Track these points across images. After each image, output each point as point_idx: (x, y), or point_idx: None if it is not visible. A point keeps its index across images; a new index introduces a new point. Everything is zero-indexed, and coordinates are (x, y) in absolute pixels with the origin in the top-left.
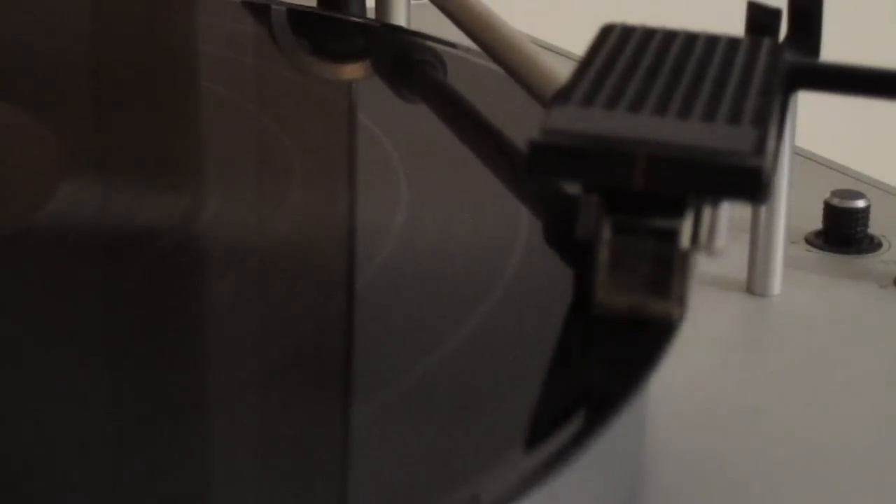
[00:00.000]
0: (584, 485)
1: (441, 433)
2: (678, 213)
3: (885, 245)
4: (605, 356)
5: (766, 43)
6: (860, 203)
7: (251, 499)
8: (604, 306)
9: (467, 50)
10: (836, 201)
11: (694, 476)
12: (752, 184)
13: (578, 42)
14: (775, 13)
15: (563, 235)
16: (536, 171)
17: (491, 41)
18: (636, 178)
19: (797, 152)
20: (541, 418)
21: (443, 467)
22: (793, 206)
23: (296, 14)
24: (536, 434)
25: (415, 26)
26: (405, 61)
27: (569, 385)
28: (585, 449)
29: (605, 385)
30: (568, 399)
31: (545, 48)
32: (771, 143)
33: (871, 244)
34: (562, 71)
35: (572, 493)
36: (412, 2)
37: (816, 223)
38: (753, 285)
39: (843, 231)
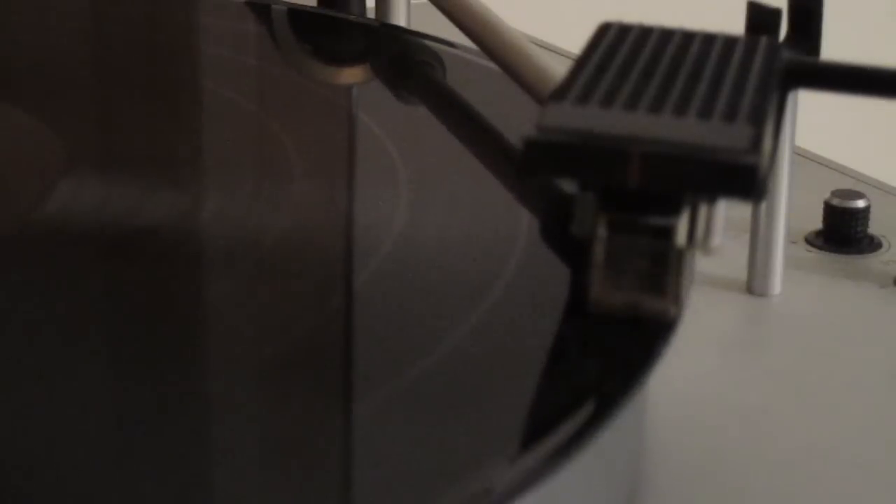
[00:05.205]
0: (583, 484)
1: (439, 432)
2: (674, 210)
3: (885, 245)
4: (603, 355)
5: (764, 41)
6: (860, 203)
7: (251, 496)
8: (600, 304)
9: (467, 50)
10: (836, 201)
11: (694, 476)
12: (747, 182)
13: (576, 41)
14: (775, 13)
15: (562, 233)
16: (532, 168)
17: (488, 40)
18: (631, 175)
19: (797, 152)
20: (539, 417)
21: (441, 466)
22: (793, 206)
23: (296, 13)
24: (535, 433)
25: (415, 26)
26: (405, 61)
27: (567, 384)
28: (584, 448)
29: (603, 384)
30: (566, 398)
31: (543, 47)
32: (767, 142)
33: (871, 244)
34: (559, 69)
35: (571, 493)
36: (412, 2)
37: (816, 223)
38: (753, 285)
39: (843, 231)
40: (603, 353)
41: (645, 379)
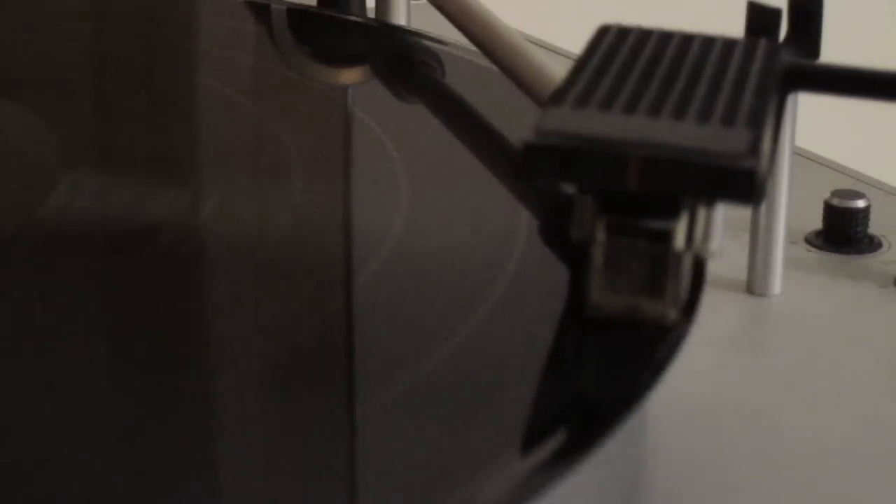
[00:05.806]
0: (583, 488)
1: (442, 438)
2: (673, 214)
3: (885, 245)
4: (607, 364)
5: (763, 44)
6: (860, 203)
7: (251, 498)
8: (598, 307)
9: (467, 50)
10: (836, 201)
11: (694, 476)
12: (746, 186)
13: (576, 41)
14: (775, 13)
15: (562, 235)
16: (531, 172)
17: (488, 40)
18: (630, 179)
19: (797, 152)
20: (541, 425)
21: (442, 474)
22: (793, 206)
23: (295, 13)
24: (537, 440)
25: (415, 26)
26: (404, 61)
27: (571, 393)
28: (586, 457)
29: (606, 394)
30: (569, 407)
31: (542, 47)
32: (766, 145)
33: (871, 244)
34: (558, 70)
35: (572, 497)
36: (412, 2)
37: (816, 223)
38: (753, 285)
39: (843, 231)
40: (606, 363)
41: (651, 390)
